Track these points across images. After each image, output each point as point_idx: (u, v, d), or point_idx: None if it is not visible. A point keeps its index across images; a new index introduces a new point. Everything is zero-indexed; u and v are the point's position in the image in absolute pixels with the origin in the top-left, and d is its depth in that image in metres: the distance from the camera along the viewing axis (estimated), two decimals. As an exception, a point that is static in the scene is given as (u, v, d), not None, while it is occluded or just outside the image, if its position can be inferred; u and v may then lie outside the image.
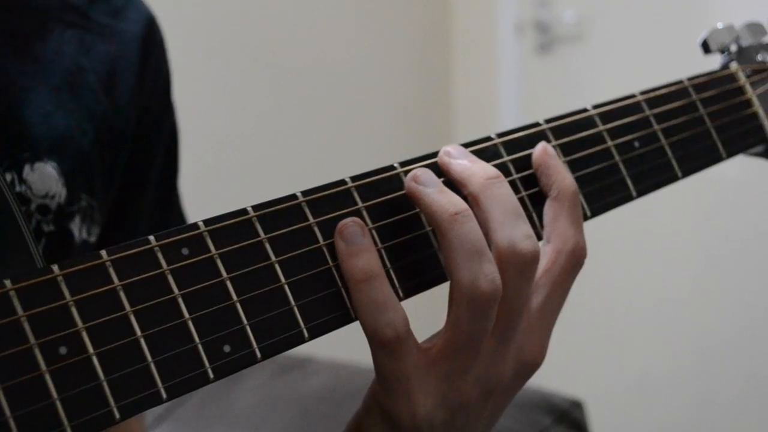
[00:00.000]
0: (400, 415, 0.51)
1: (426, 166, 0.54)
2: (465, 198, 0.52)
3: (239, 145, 1.99)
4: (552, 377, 1.52)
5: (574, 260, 0.55)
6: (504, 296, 0.51)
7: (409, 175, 0.52)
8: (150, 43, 0.74)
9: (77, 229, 0.66)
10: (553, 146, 0.59)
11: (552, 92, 2.29)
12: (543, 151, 0.57)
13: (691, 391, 2.15)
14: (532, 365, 0.55)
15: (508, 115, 2.34)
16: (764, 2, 1.76)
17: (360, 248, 0.49)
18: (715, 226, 2.09)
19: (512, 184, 0.56)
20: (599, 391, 2.01)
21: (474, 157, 0.54)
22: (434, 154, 0.55)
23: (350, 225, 0.50)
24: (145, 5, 0.76)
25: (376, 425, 0.52)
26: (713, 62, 0.72)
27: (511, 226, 0.51)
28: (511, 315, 0.52)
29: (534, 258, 0.51)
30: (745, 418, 2.08)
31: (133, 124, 0.73)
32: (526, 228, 0.52)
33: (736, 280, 2.07)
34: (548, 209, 0.56)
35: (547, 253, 0.55)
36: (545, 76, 2.31)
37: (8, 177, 0.61)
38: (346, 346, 1.05)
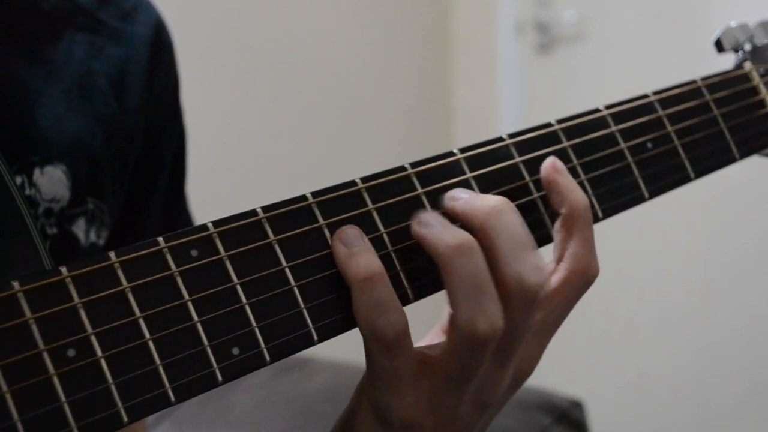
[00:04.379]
0: (391, 411, 0.50)
1: (437, 167, 0.53)
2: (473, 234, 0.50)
3: (239, 148, 1.98)
4: (552, 377, 1.52)
5: (585, 281, 0.54)
6: (508, 327, 0.49)
7: (414, 219, 0.50)
8: (159, 46, 0.74)
9: (82, 232, 0.65)
10: (565, 147, 0.58)
11: (552, 92, 2.29)
12: (552, 168, 0.55)
13: (690, 391, 2.15)
14: (525, 374, 0.54)
15: (509, 115, 2.34)
16: (766, 2, 1.76)
17: (359, 249, 0.48)
18: (716, 226, 2.09)
19: (524, 186, 0.56)
20: (599, 391, 2.01)
21: (476, 193, 0.52)
22: (445, 155, 0.54)
23: (348, 229, 0.49)
24: (154, 8, 0.76)
25: (365, 422, 0.52)
26: (714, 62, 0.71)
27: (519, 260, 0.49)
28: (513, 344, 0.51)
29: (542, 291, 0.50)
30: (745, 418, 2.08)
31: (143, 126, 0.73)
32: (534, 260, 0.50)
33: (737, 280, 2.07)
34: (560, 228, 0.54)
35: (559, 273, 0.54)
36: (545, 76, 2.31)
37: (18, 180, 0.61)
38: (346, 346, 1.05)
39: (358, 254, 0.48)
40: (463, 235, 0.49)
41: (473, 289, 0.48)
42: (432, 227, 0.49)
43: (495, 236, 0.49)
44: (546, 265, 0.51)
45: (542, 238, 0.55)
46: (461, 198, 0.51)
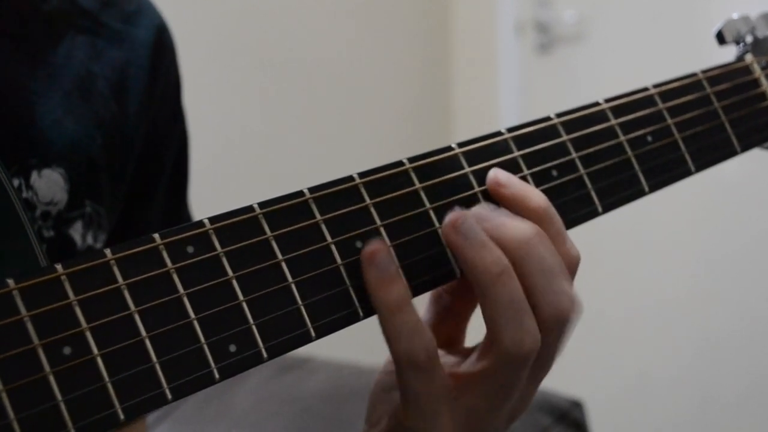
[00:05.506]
0: None
1: (435, 161, 0.53)
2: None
3: (239, 145, 1.98)
4: (552, 377, 1.52)
5: (570, 269, 0.54)
6: (542, 352, 0.51)
7: (448, 219, 0.50)
8: (161, 49, 0.74)
9: (79, 235, 0.65)
10: (564, 141, 0.58)
11: (552, 92, 2.29)
12: (495, 184, 0.54)
13: (691, 390, 2.14)
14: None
15: (508, 114, 2.34)
16: (764, 2, 1.76)
17: (392, 276, 0.48)
18: (715, 226, 2.08)
19: (523, 180, 0.55)
20: (599, 391, 2.00)
21: (504, 214, 0.51)
22: (443, 150, 0.54)
23: (380, 251, 0.49)
24: (156, 11, 0.75)
25: None
26: (714, 62, 0.71)
27: (551, 290, 0.50)
28: (548, 361, 0.52)
29: (572, 315, 0.51)
30: (745, 418, 2.08)
31: (143, 130, 0.72)
32: (565, 287, 0.51)
33: (736, 280, 2.06)
34: None
35: None
36: (545, 76, 2.30)
37: (15, 182, 0.61)
38: (346, 346, 1.04)
39: (390, 282, 0.48)
40: (502, 261, 0.49)
41: (515, 312, 0.49)
42: (470, 240, 0.49)
43: (527, 267, 0.50)
44: (572, 288, 0.52)
45: None
46: (490, 219, 0.51)
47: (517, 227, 0.51)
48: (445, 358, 0.55)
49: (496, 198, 0.54)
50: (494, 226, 0.51)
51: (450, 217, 0.50)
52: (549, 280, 0.50)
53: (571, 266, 0.54)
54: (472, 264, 0.49)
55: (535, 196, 0.54)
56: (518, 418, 0.54)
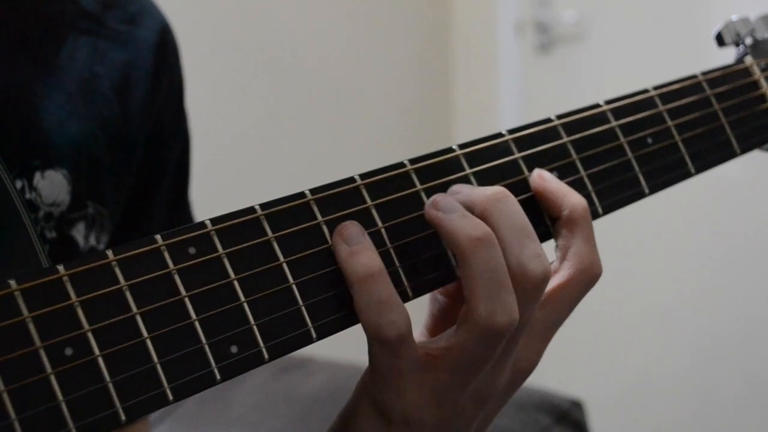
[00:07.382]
0: (392, 408, 0.50)
1: (436, 163, 0.53)
2: None
3: (239, 145, 1.98)
4: (552, 377, 1.52)
5: (589, 279, 0.54)
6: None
7: (429, 201, 0.50)
8: (164, 50, 0.74)
9: (81, 236, 0.65)
10: (565, 142, 0.58)
11: (552, 92, 2.29)
12: (539, 178, 0.55)
13: (691, 390, 2.14)
14: (525, 372, 0.54)
15: (508, 115, 2.34)
16: (764, 2, 1.76)
17: (361, 247, 0.48)
18: (716, 226, 2.08)
19: (524, 181, 0.56)
20: (599, 391, 2.01)
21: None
22: (445, 151, 0.54)
23: (349, 225, 0.49)
24: (159, 12, 0.75)
25: (366, 415, 0.52)
26: (714, 62, 0.71)
27: (520, 246, 0.49)
28: (515, 334, 0.51)
29: (544, 279, 0.50)
30: (745, 418, 2.08)
31: (146, 131, 0.72)
32: (535, 247, 0.50)
33: (737, 279, 2.06)
34: (561, 229, 0.54)
35: (564, 271, 0.54)
36: (545, 76, 2.31)
37: (18, 184, 0.61)
38: (346, 346, 1.04)
39: (358, 252, 0.48)
40: (483, 227, 0.49)
41: (493, 282, 0.48)
42: (451, 214, 0.49)
43: (495, 223, 0.50)
44: (545, 254, 0.51)
45: (543, 234, 0.55)
46: (461, 191, 0.52)
47: (485, 188, 0.51)
48: (427, 337, 0.55)
49: (539, 192, 0.55)
50: (465, 193, 0.51)
51: (430, 199, 0.50)
52: (518, 237, 0.49)
53: (594, 279, 0.54)
54: (453, 233, 0.49)
55: (578, 195, 0.55)
56: (487, 403, 0.53)
